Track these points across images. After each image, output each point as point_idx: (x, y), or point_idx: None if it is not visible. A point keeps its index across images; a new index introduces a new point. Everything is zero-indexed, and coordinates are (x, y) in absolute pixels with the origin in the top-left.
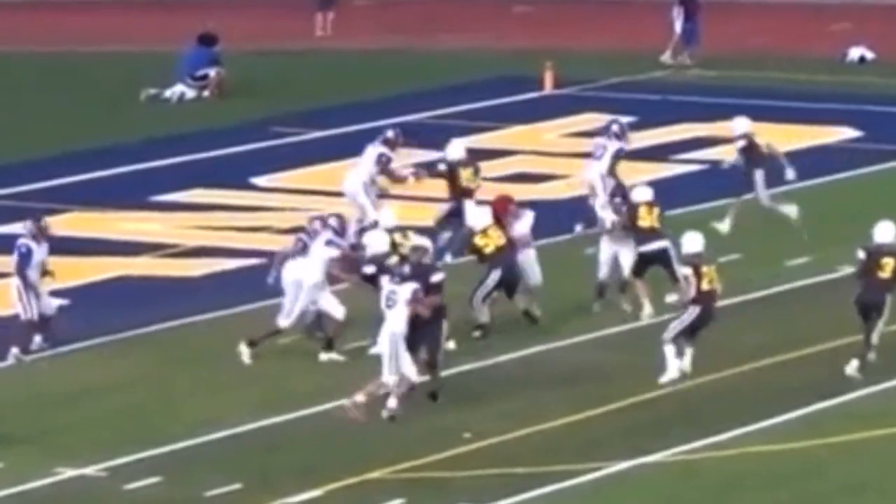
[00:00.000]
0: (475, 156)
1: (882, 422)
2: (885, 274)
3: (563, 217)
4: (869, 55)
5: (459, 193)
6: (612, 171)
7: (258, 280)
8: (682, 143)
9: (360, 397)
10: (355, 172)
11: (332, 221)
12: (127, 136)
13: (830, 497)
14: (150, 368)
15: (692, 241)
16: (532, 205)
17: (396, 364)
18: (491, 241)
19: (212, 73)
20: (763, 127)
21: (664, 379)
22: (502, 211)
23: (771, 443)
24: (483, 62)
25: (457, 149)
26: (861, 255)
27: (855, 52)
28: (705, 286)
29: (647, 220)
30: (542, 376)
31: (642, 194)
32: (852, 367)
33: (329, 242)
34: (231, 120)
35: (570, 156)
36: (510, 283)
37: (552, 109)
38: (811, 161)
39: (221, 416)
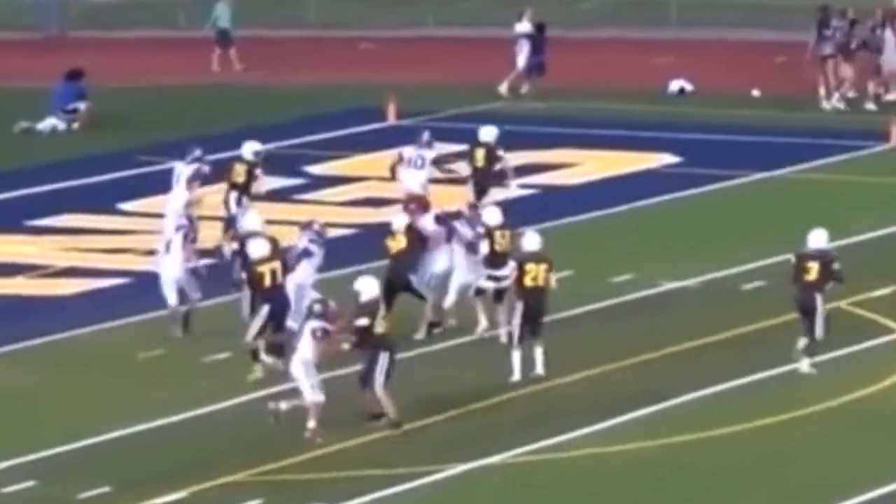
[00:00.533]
0: (326, 182)
1: (710, 423)
2: (810, 277)
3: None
4: (688, 87)
5: None
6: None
7: (127, 297)
8: (515, 170)
9: (311, 423)
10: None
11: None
12: (2, 166)
13: (660, 495)
14: (26, 380)
15: (530, 241)
16: (378, 227)
17: (311, 384)
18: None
19: (81, 106)
20: (591, 154)
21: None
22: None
23: (607, 444)
24: (332, 96)
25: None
26: (792, 259)
27: (675, 85)
28: (528, 282)
29: (500, 244)
30: (393, 384)
31: (493, 217)
32: (800, 346)
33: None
34: (99, 150)
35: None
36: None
37: (396, 139)
38: (636, 185)
39: (93, 423)
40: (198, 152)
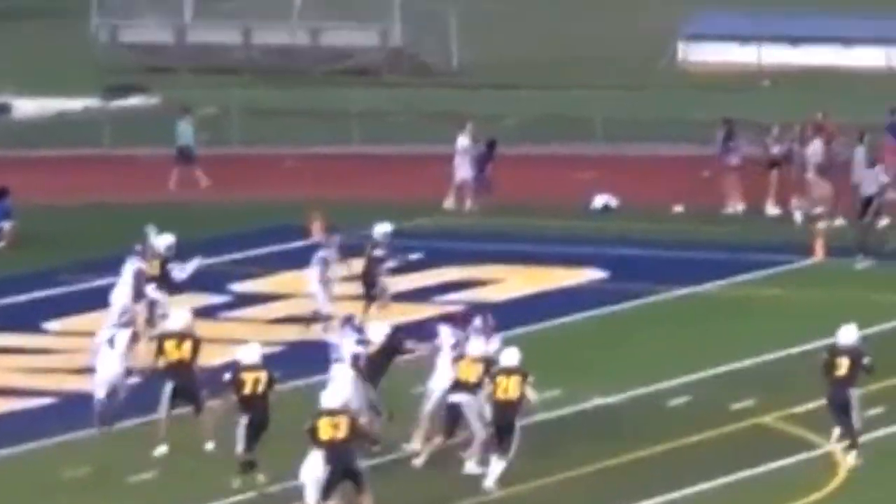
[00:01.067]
0: (251, 300)
1: None
2: (840, 372)
3: (320, 353)
4: (613, 202)
5: None
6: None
7: (51, 417)
8: (441, 286)
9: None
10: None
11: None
12: None
13: None
14: None
15: (508, 356)
16: (303, 344)
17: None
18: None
19: (6, 225)
20: (517, 270)
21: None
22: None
23: None
24: (257, 213)
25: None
26: (824, 355)
27: (600, 200)
28: (500, 394)
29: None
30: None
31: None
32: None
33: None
34: (24, 269)
35: (337, 298)
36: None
37: None
38: (562, 300)
39: None
40: (139, 248)
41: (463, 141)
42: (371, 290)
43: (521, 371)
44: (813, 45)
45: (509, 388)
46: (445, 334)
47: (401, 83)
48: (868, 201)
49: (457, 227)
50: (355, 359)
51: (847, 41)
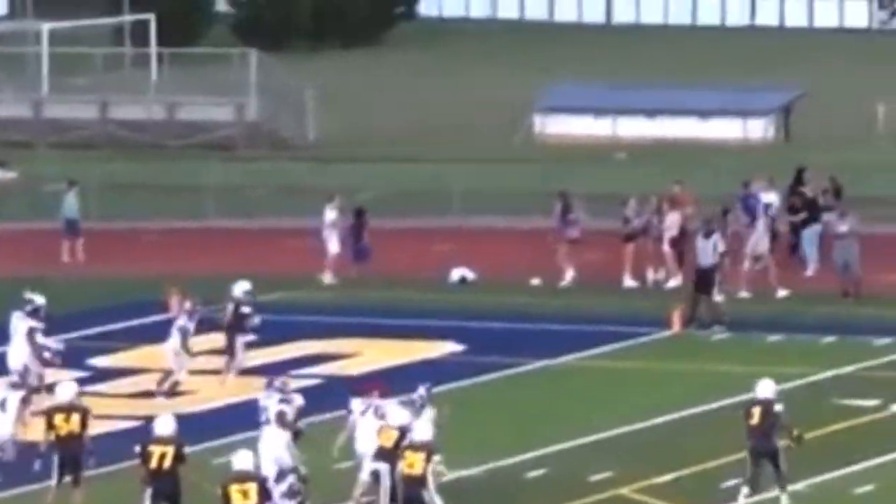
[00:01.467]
0: (111, 374)
1: None
2: (753, 421)
3: (193, 426)
4: (470, 275)
5: None
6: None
7: None
8: (298, 360)
9: None
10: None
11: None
12: None
13: None
14: None
15: (420, 430)
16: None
17: None
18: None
19: None
20: (374, 343)
21: None
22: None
23: None
24: (115, 287)
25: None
26: (740, 412)
27: (457, 273)
28: (405, 469)
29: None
30: None
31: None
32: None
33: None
34: None
35: (199, 373)
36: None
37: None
38: (419, 374)
39: None
40: (32, 304)
41: (331, 214)
42: (233, 347)
43: (426, 447)
44: (669, 117)
45: (414, 463)
46: (356, 405)
47: (257, 157)
48: (703, 272)
49: (314, 301)
50: (280, 416)
51: (703, 113)
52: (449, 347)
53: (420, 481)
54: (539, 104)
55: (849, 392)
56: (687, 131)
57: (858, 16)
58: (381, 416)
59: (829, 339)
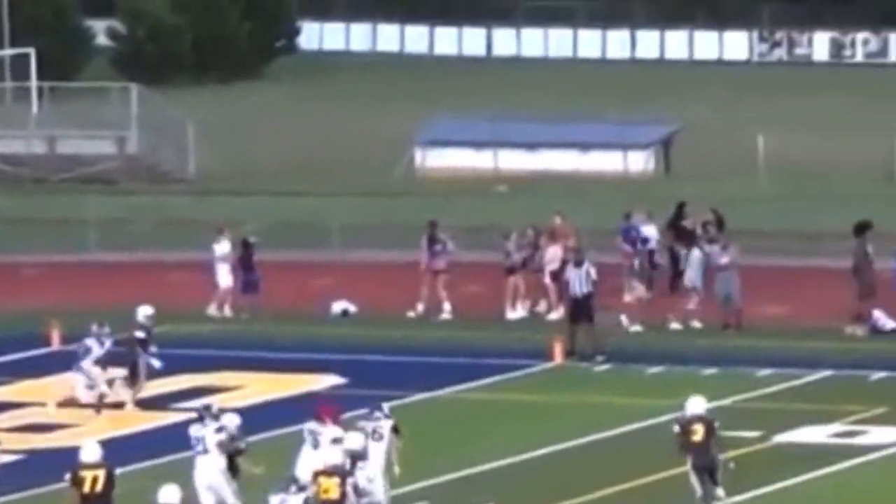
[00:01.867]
0: None
1: None
2: (697, 437)
3: (62, 460)
4: (351, 308)
5: None
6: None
7: None
8: (181, 393)
9: None
10: None
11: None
12: None
13: None
14: None
15: (331, 455)
16: (47, 452)
17: None
18: None
19: None
20: (255, 376)
21: None
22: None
23: None
24: None
25: None
26: (676, 428)
27: (338, 306)
28: (321, 495)
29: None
30: None
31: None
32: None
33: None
34: None
35: (81, 405)
36: None
37: (59, 364)
38: (299, 407)
39: None
40: None
41: (221, 247)
42: (135, 372)
43: (338, 471)
44: (550, 149)
45: (329, 489)
46: (317, 428)
47: (138, 191)
48: (577, 302)
49: (199, 334)
50: (222, 445)
51: (584, 146)
52: (330, 381)
53: None
54: (420, 138)
55: (730, 423)
56: (568, 164)
57: (738, 48)
58: (315, 445)
59: (711, 370)
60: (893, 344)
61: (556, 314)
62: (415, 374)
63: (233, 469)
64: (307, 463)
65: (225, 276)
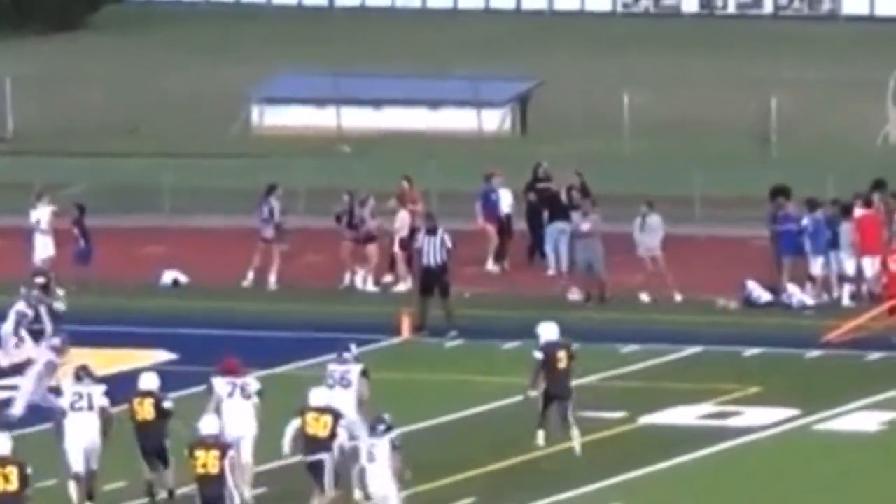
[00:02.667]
0: None
1: None
2: (562, 364)
3: None
4: (183, 278)
5: None
6: None
7: None
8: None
9: None
10: None
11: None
12: None
13: None
14: None
15: (207, 424)
16: None
17: None
18: None
19: None
20: (82, 352)
21: None
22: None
23: None
24: None
25: None
26: (538, 355)
27: (168, 276)
28: (199, 469)
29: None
30: None
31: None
32: (540, 438)
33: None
34: None
35: None
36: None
37: None
38: (129, 385)
39: None
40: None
41: (40, 212)
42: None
43: (219, 444)
44: (397, 107)
45: (208, 462)
46: (219, 384)
47: None
48: (430, 273)
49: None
50: (102, 409)
51: (434, 103)
52: (160, 356)
53: (219, 480)
54: (257, 94)
55: (593, 403)
56: (416, 122)
57: None
58: (248, 396)
59: (572, 346)
60: (768, 318)
61: (404, 286)
62: (252, 350)
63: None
64: (236, 418)
65: (44, 246)
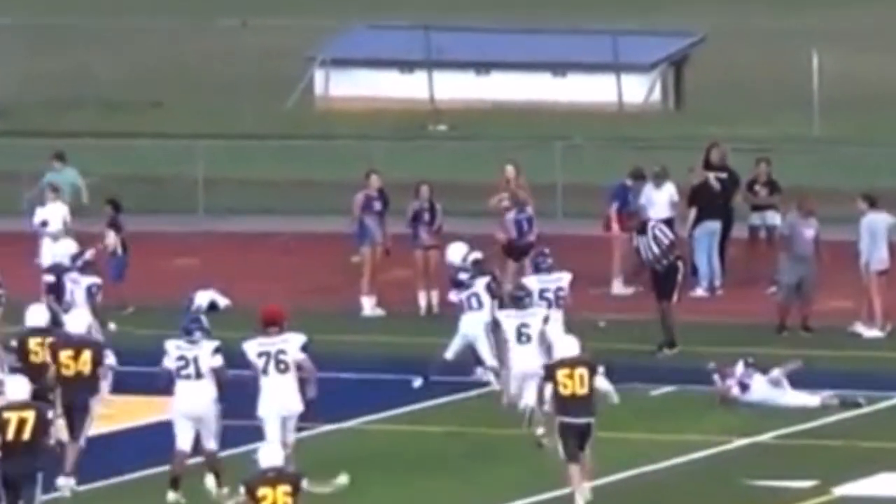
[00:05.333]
0: None
1: None
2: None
3: None
4: (222, 301)
5: None
6: None
7: None
8: None
9: None
10: None
11: None
12: None
13: None
14: None
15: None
16: None
17: None
18: None
19: None
20: (124, 399)
21: None
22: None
23: None
24: None
25: None
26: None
27: (203, 297)
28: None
29: None
30: None
31: None
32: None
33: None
34: None
35: None
36: None
37: None
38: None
39: None
40: None
41: (52, 212)
42: None
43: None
44: (509, 72)
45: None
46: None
47: None
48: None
49: None
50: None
51: (558, 67)
52: None
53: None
54: (322, 55)
55: (775, 468)
56: (534, 92)
57: None
58: (284, 369)
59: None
60: None
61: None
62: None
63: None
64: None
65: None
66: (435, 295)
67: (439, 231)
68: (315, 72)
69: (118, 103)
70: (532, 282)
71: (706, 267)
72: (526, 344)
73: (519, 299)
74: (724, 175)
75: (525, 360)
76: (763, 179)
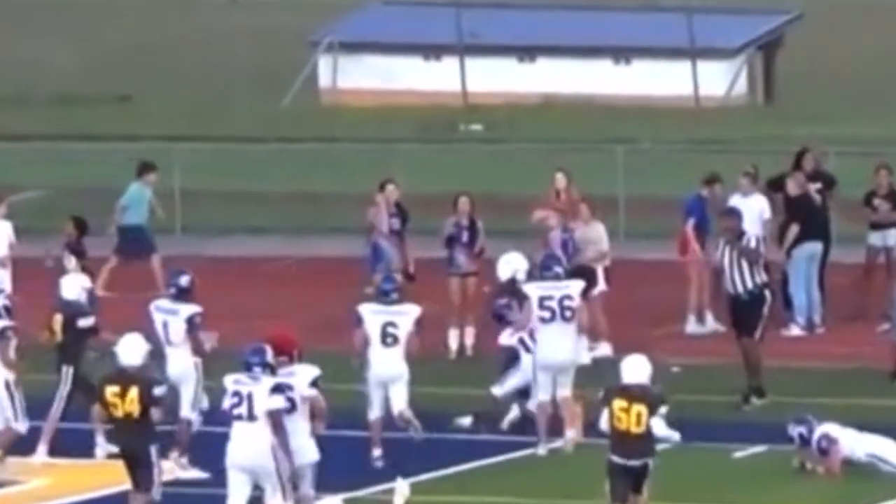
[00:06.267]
0: None
1: None
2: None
3: None
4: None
5: None
6: None
7: None
8: None
9: None
10: None
11: None
12: None
13: None
14: None
15: None
16: None
17: None
18: None
19: None
20: None
21: None
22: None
23: None
24: None
25: None
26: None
27: None
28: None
29: None
30: None
31: None
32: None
33: None
34: None
35: None
36: None
37: None
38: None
39: None
40: None
41: None
42: None
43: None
44: (558, 58)
45: None
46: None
47: None
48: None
49: None
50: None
51: (621, 53)
52: None
53: None
54: (328, 38)
55: None
56: (591, 84)
57: None
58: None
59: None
60: None
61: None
62: None
63: None
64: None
65: None
66: (470, 334)
67: (481, 254)
68: (319, 59)
69: (75, 98)
70: (531, 289)
71: (804, 298)
72: (392, 346)
73: (385, 293)
74: (818, 185)
75: (387, 364)
76: (884, 191)
